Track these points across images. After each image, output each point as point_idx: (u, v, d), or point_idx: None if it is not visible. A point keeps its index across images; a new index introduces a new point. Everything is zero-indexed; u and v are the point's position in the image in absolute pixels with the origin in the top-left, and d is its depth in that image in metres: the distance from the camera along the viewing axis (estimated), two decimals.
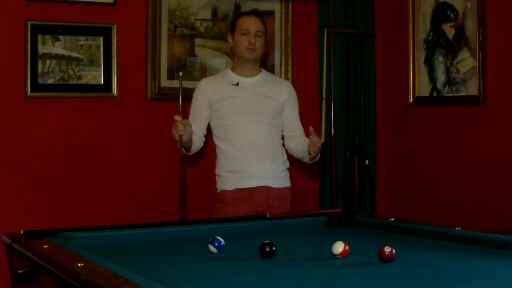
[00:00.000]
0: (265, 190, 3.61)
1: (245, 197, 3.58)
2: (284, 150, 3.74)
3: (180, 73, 3.48)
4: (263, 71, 3.77)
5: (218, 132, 3.64)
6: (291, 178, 4.74)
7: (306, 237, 2.94)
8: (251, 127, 3.59)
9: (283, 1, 4.68)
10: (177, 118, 3.40)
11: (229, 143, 3.59)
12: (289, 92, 3.74)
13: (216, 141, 3.66)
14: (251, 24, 3.62)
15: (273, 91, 3.68)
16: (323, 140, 3.51)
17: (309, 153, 3.51)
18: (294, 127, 3.72)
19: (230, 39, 3.70)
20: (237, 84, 3.64)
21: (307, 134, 3.51)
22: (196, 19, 4.46)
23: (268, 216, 3.17)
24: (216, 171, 3.68)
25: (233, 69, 3.71)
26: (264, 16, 4.61)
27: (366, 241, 2.74)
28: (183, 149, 3.53)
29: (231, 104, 3.60)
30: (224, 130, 3.60)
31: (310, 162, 3.65)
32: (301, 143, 3.63)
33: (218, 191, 3.64)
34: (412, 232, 2.85)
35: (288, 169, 3.75)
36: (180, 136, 3.41)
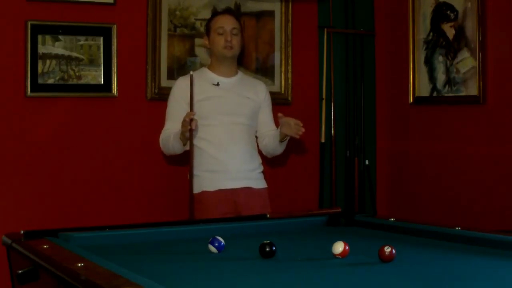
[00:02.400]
0: (247, 190, 3.62)
1: (227, 198, 3.58)
2: (258, 152, 3.76)
3: (191, 72, 3.47)
4: (240, 72, 3.80)
5: (197, 131, 3.61)
6: (291, 178, 4.76)
7: (306, 237, 2.94)
8: (232, 128, 3.60)
9: (283, 1, 4.68)
10: (189, 113, 3.39)
11: (210, 143, 3.57)
12: (265, 92, 3.80)
13: (194, 140, 3.60)
14: (226, 22, 3.62)
15: (251, 92, 3.71)
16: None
17: (281, 135, 3.55)
18: (269, 126, 3.76)
19: (206, 41, 3.70)
20: (218, 84, 3.63)
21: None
22: (196, 19, 4.46)
23: (268, 216, 3.17)
24: (193, 171, 3.64)
25: (210, 69, 3.71)
26: (264, 16, 4.64)
27: (366, 241, 2.74)
28: (180, 146, 3.53)
29: (212, 104, 3.59)
30: (205, 130, 3.57)
31: (281, 147, 3.68)
32: (274, 134, 3.67)
33: (197, 191, 3.60)
34: (412, 232, 2.85)
35: (263, 171, 3.77)
36: (191, 130, 3.40)
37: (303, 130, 3.45)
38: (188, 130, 3.40)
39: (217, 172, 3.58)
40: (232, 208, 3.57)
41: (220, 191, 3.58)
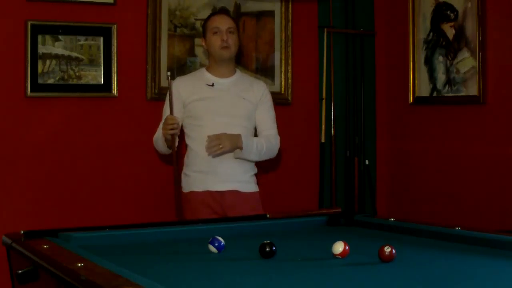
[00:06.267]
0: (234, 194, 3.60)
1: (215, 199, 3.57)
2: None
3: (168, 73, 3.50)
4: (238, 72, 3.76)
5: (190, 132, 3.62)
6: (291, 178, 4.76)
7: (306, 237, 2.94)
8: (225, 129, 3.55)
9: (283, 1, 4.68)
10: (170, 116, 3.42)
11: (201, 143, 3.55)
12: (262, 91, 3.72)
13: (187, 140, 3.64)
14: (221, 22, 3.61)
15: (247, 92, 3.67)
16: (216, 138, 3.46)
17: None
18: (265, 127, 3.69)
19: (203, 42, 3.69)
20: (212, 85, 3.62)
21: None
22: (196, 19, 4.46)
23: (268, 216, 3.17)
24: (184, 170, 3.66)
25: (208, 69, 3.70)
26: (264, 16, 4.65)
27: (366, 241, 2.74)
28: (165, 148, 3.56)
29: (207, 105, 3.58)
30: (198, 131, 3.57)
31: (255, 157, 3.63)
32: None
33: (186, 191, 3.62)
34: (412, 232, 2.85)
35: (255, 174, 3.74)
36: (173, 135, 3.42)
37: (214, 149, 3.43)
38: (170, 134, 3.42)
39: (206, 173, 3.57)
40: (219, 209, 3.58)
41: (208, 192, 3.57)
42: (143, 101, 4.34)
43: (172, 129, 3.41)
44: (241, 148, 3.52)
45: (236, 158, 3.57)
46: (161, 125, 3.64)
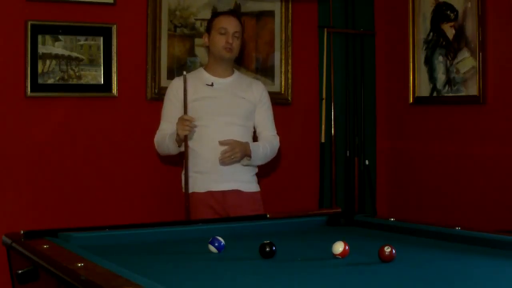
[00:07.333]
0: (236, 193, 3.60)
1: (217, 199, 3.57)
2: None
3: (184, 72, 3.48)
4: (236, 72, 3.77)
5: (191, 132, 3.62)
6: (291, 178, 4.76)
7: (306, 237, 2.94)
8: (225, 129, 3.56)
9: (283, 1, 4.68)
10: (186, 117, 3.41)
11: (202, 144, 3.56)
12: (261, 92, 3.73)
13: (188, 141, 3.64)
14: (229, 24, 3.60)
15: (246, 92, 3.68)
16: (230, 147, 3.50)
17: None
18: (265, 128, 3.71)
19: (206, 38, 3.67)
20: (212, 85, 3.62)
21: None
22: (196, 19, 4.46)
23: (268, 216, 3.17)
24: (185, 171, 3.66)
25: (207, 69, 3.70)
26: (264, 16, 4.64)
27: (366, 241, 2.74)
28: (175, 147, 3.55)
29: (206, 105, 3.58)
30: (198, 131, 3.56)
31: (259, 161, 3.67)
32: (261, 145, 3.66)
33: (188, 192, 3.61)
34: (412, 232, 2.85)
35: (256, 174, 3.74)
36: (186, 136, 3.43)
37: (227, 160, 3.48)
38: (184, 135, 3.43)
39: (207, 173, 3.57)
40: (221, 210, 3.57)
41: (210, 192, 3.58)
42: (143, 101, 4.34)
43: (188, 130, 3.43)
44: (249, 156, 3.54)
45: (245, 165, 3.58)
46: (162, 126, 3.64)
